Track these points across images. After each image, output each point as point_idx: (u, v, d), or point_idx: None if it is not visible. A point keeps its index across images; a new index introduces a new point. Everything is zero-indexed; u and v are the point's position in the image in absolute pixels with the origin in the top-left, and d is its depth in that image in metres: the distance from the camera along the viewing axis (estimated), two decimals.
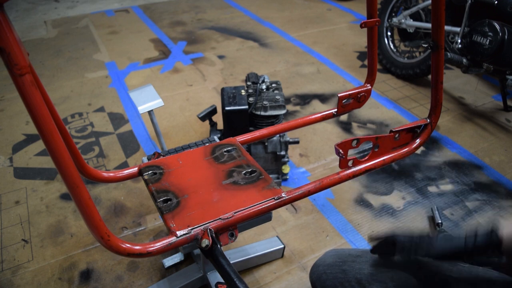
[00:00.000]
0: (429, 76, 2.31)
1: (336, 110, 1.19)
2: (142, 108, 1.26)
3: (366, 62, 2.97)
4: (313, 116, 1.20)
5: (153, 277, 1.44)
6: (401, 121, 2.33)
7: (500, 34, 1.91)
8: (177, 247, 0.80)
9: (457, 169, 1.97)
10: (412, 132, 1.11)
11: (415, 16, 2.60)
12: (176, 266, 1.48)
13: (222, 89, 1.77)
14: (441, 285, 0.76)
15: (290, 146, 2.07)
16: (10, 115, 2.35)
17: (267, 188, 0.92)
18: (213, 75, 2.77)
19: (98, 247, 1.55)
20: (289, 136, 1.78)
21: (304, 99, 2.51)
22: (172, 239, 0.79)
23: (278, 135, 1.74)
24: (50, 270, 1.46)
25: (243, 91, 1.74)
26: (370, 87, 1.17)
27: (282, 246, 1.50)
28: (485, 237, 0.65)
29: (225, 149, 1.06)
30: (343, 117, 2.34)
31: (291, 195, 0.91)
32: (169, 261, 1.47)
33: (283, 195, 0.90)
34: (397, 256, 0.69)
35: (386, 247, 0.71)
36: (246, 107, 1.67)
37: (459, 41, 2.21)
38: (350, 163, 1.00)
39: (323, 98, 2.53)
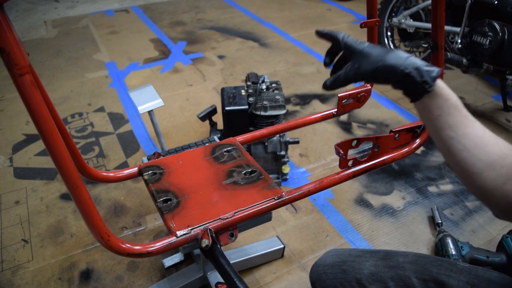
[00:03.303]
0: None
1: (336, 110, 1.18)
2: (142, 108, 1.26)
3: None
4: (313, 116, 1.20)
5: (153, 277, 1.44)
6: (401, 121, 2.33)
7: (500, 34, 1.91)
8: (177, 247, 0.80)
9: None
10: (412, 132, 1.11)
11: (415, 16, 2.60)
12: (176, 266, 1.48)
13: (222, 89, 1.76)
14: None
15: (290, 146, 2.07)
16: (10, 115, 2.35)
17: (267, 188, 0.92)
18: (213, 75, 2.77)
19: (98, 247, 1.55)
20: (289, 136, 1.78)
21: (304, 99, 2.51)
22: (172, 239, 0.79)
23: (278, 135, 1.74)
24: (50, 270, 1.46)
25: (243, 91, 1.74)
26: (370, 87, 1.17)
27: (282, 246, 1.50)
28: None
29: (225, 149, 1.06)
30: (343, 117, 2.34)
31: (291, 195, 0.91)
32: (169, 261, 1.47)
33: (283, 195, 0.90)
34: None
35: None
36: (246, 107, 1.67)
37: (459, 41, 2.21)
38: (350, 163, 1.00)
39: (323, 98, 2.53)
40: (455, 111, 0.66)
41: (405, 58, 0.68)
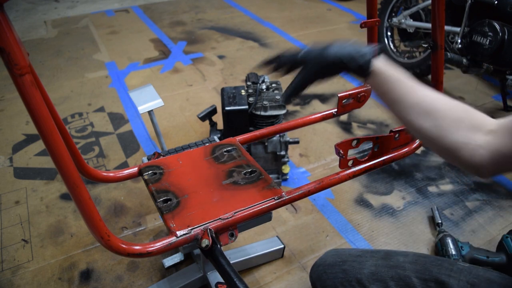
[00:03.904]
0: (429, 76, 2.31)
1: (336, 110, 1.18)
2: (142, 108, 1.26)
3: None
4: (313, 116, 1.20)
5: (153, 277, 1.44)
6: None
7: (500, 34, 1.91)
8: (177, 247, 0.80)
9: (457, 169, 1.97)
10: None
11: (415, 16, 2.60)
12: (176, 266, 1.48)
13: (222, 89, 1.77)
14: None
15: (290, 146, 2.07)
16: (10, 115, 2.35)
17: (267, 188, 0.92)
18: (213, 75, 2.77)
19: (98, 247, 1.55)
20: (289, 136, 1.78)
21: (304, 99, 2.51)
22: (172, 239, 0.79)
23: (278, 135, 1.74)
24: (50, 270, 1.46)
25: (243, 91, 1.74)
26: (370, 87, 1.17)
27: (282, 246, 1.50)
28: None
29: (225, 149, 1.06)
30: (343, 117, 2.34)
31: (291, 195, 0.91)
32: (169, 261, 1.47)
33: (283, 195, 0.90)
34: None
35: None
36: (246, 107, 1.67)
37: (459, 41, 2.21)
38: (350, 163, 1.00)
39: (323, 98, 2.53)
40: (399, 85, 0.68)
41: (339, 50, 0.71)
